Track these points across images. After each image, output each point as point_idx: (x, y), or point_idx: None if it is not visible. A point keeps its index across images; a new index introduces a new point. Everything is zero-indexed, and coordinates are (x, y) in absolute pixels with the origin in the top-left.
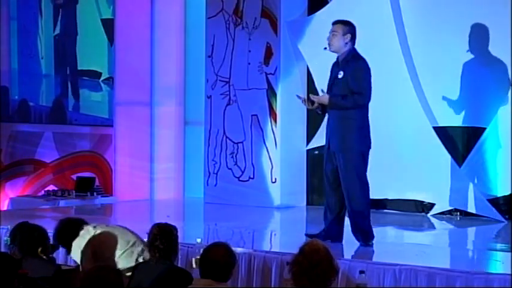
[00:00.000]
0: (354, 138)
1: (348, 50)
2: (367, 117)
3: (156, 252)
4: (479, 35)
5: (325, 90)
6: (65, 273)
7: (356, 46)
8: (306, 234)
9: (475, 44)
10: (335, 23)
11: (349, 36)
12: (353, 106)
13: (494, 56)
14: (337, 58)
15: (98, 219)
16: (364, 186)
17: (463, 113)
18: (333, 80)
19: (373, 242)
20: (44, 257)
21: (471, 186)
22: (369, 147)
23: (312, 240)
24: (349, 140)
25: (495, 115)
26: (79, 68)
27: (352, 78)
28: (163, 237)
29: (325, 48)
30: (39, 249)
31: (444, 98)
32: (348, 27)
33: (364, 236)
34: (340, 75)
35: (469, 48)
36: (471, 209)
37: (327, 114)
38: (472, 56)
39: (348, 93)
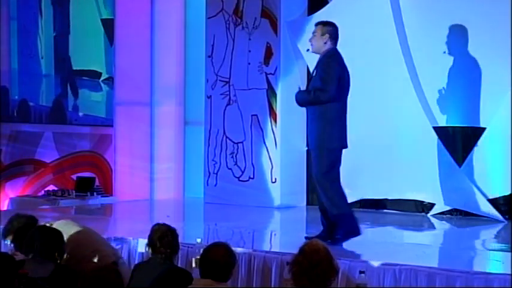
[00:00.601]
0: (320, 136)
1: (326, 50)
2: (338, 114)
3: (167, 248)
4: (460, 35)
5: None
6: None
7: (356, 46)
8: (306, 237)
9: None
10: (316, 24)
11: (327, 36)
12: (314, 101)
13: (494, 55)
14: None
15: (98, 219)
16: (334, 183)
17: (463, 113)
18: (309, 79)
19: (339, 237)
20: (59, 260)
21: (471, 186)
22: (340, 145)
23: (311, 241)
24: (316, 137)
25: (495, 115)
26: (79, 68)
27: (319, 75)
28: (171, 234)
29: (308, 50)
30: (56, 253)
31: (444, 97)
32: (326, 28)
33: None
34: (314, 73)
35: (447, 49)
36: (471, 209)
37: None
38: (473, 56)
39: (313, 89)
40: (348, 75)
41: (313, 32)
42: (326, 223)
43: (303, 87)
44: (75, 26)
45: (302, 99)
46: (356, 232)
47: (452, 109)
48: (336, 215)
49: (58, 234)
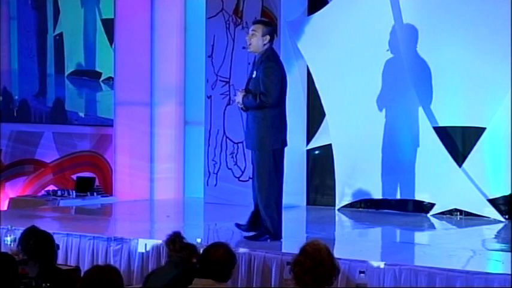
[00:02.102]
0: (263, 137)
1: (264, 50)
2: (280, 116)
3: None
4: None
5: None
6: (64, 273)
7: (356, 46)
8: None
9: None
10: (255, 22)
11: (268, 37)
12: (260, 106)
13: (495, 54)
14: (255, 57)
15: (98, 219)
16: (273, 183)
17: (463, 113)
18: (248, 79)
19: (281, 240)
20: (53, 262)
21: (471, 186)
22: (282, 145)
23: (312, 241)
24: (260, 138)
25: (495, 115)
26: (79, 68)
27: (261, 79)
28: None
29: (244, 47)
30: (45, 255)
31: (444, 98)
32: (267, 28)
33: (267, 233)
34: (254, 74)
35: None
36: (471, 209)
37: (245, 113)
38: (477, 55)
39: (258, 93)
40: (286, 76)
41: (253, 30)
42: (251, 217)
43: (304, 87)
44: (74, 26)
45: (249, 104)
46: (274, 236)
47: (456, 108)
48: (265, 214)
49: (47, 237)
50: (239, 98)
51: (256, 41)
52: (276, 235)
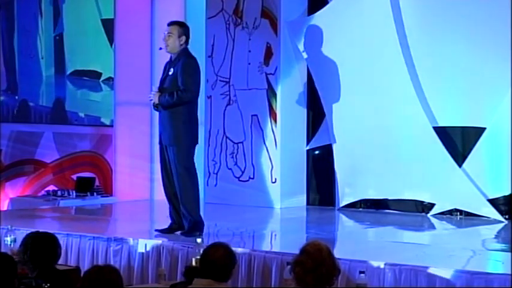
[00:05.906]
0: (181, 133)
1: (181, 50)
2: (194, 112)
3: None
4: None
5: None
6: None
7: (356, 46)
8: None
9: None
10: (170, 24)
11: (184, 38)
12: (179, 102)
13: (495, 54)
14: (171, 57)
15: (98, 219)
16: (193, 177)
17: (463, 113)
18: (164, 77)
19: (202, 234)
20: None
21: (471, 186)
22: (196, 141)
23: (313, 241)
24: (177, 134)
25: (495, 115)
26: (79, 68)
27: (180, 75)
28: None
29: (161, 48)
30: (45, 258)
31: (444, 97)
32: (182, 29)
33: (191, 225)
34: (171, 72)
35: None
36: (471, 209)
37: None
38: (477, 55)
39: (175, 90)
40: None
41: (169, 32)
42: (175, 215)
43: (304, 87)
44: (75, 26)
45: (167, 102)
46: (200, 229)
47: (456, 108)
48: (188, 208)
49: (49, 240)
50: (155, 98)
51: (173, 41)
52: (198, 228)
